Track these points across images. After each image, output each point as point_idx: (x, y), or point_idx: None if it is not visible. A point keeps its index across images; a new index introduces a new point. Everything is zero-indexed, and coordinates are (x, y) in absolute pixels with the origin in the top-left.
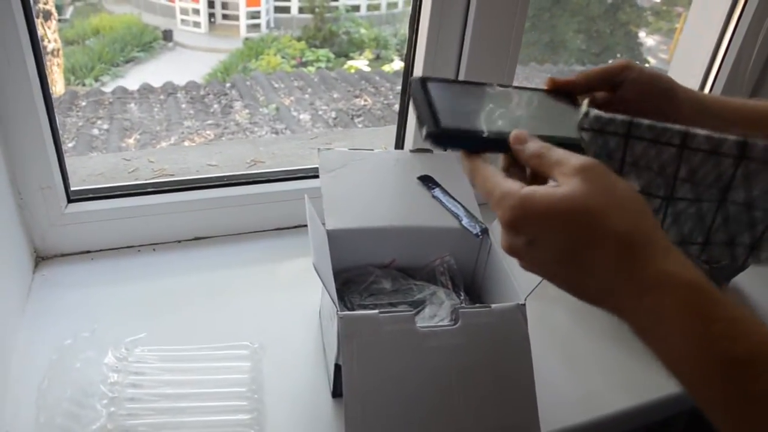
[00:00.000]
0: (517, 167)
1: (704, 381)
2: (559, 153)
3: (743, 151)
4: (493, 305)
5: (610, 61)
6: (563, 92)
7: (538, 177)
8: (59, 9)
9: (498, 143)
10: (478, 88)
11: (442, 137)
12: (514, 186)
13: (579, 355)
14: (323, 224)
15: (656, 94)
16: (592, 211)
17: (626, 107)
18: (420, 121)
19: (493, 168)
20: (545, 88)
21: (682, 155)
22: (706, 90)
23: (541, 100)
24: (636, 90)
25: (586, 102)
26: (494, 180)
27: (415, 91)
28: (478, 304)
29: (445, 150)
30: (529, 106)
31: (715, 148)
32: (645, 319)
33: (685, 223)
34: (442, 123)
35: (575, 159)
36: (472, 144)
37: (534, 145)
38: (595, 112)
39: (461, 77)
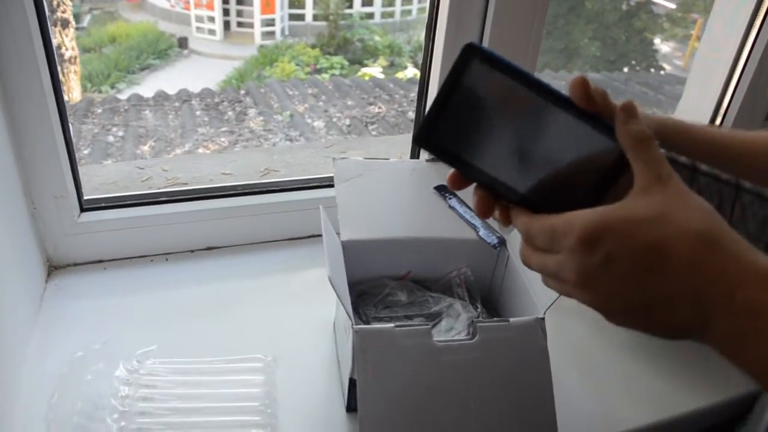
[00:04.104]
0: None
1: None
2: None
3: None
4: (512, 319)
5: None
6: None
7: None
8: (77, 17)
9: (489, 185)
10: (522, 94)
11: (429, 148)
12: (576, 212)
13: (599, 370)
14: (338, 234)
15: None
16: (671, 212)
17: None
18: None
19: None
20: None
21: (737, 194)
22: (725, 101)
23: (577, 134)
24: None
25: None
26: (554, 217)
27: (455, 65)
28: (495, 318)
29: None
30: (555, 147)
31: (760, 193)
32: (737, 322)
33: None
34: (434, 138)
35: (651, 174)
36: (462, 171)
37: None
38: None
39: None
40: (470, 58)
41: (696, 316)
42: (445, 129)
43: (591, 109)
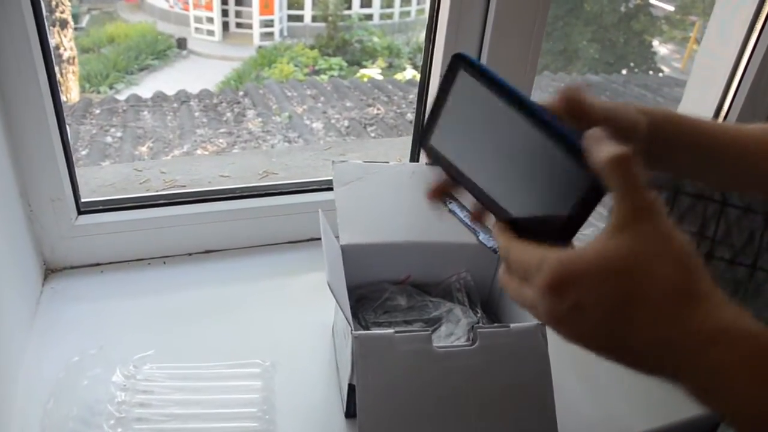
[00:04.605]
0: None
1: None
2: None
3: None
4: (512, 325)
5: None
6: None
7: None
8: (75, 18)
9: (476, 196)
10: (502, 110)
11: (426, 152)
12: (551, 250)
13: (600, 376)
14: (337, 238)
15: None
16: (644, 259)
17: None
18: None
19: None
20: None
21: (722, 211)
22: (726, 105)
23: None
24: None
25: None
26: (531, 248)
27: (445, 75)
28: (496, 324)
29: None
30: (522, 158)
31: (748, 206)
32: (707, 378)
33: (723, 286)
34: (429, 143)
35: (627, 207)
36: (453, 178)
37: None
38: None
39: None
40: (457, 68)
41: (665, 366)
42: (439, 136)
43: (577, 124)
